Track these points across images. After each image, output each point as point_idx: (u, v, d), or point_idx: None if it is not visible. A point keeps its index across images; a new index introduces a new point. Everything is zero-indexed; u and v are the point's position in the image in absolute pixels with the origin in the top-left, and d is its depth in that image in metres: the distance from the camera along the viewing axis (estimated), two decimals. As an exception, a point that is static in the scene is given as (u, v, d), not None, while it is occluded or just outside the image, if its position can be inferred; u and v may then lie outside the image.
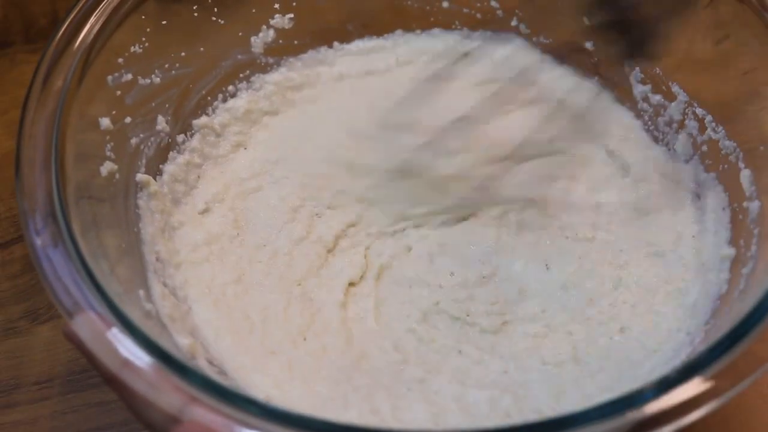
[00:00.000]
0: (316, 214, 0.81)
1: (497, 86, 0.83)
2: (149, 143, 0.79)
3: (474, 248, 0.78)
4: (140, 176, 0.76)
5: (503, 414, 0.65)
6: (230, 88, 0.88)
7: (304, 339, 0.72)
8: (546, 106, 0.83)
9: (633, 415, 0.51)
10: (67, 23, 0.71)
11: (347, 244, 0.79)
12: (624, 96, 0.87)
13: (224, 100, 0.88)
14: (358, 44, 0.93)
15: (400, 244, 0.79)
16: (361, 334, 0.73)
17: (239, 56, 0.88)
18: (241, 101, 0.88)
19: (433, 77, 0.84)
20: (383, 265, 0.78)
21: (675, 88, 0.81)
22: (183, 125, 0.84)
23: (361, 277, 0.77)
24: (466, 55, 0.87)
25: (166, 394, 0.52)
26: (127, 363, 0.53)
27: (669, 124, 0.83)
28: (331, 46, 0.93)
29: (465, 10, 0.92)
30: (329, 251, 0.79)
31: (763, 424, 0.70)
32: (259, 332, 0.72)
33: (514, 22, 0.91)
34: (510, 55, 0.89)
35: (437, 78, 0.84)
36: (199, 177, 0.84)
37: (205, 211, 0.81)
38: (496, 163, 0.80)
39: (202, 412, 0.51)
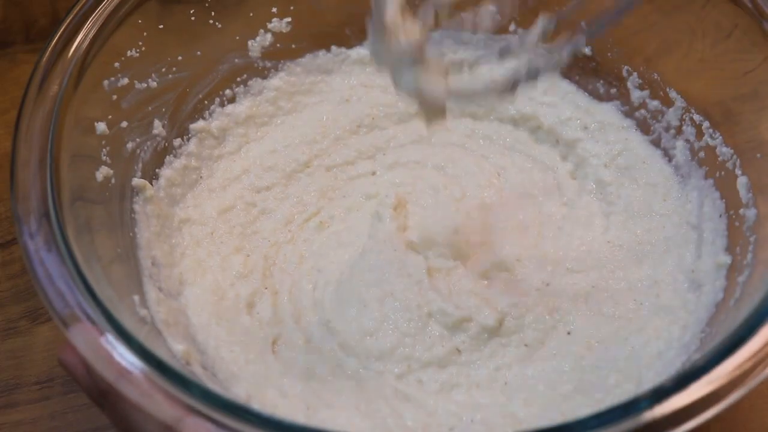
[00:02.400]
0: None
1: None
2: (145, 147, 0.79)
3: None
4: (136, 181, 0.76)
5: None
6: (227, 92, 0.88)
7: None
8: None
9: (630, 424, 0.51)
10: (64, 26, 0.71)
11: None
12: (623, 102, 0.87)
13: (222, 104, 0.87)
14: (358, 51, 0.93)
15: None
16: None
17: (236, 60, 0.88)
18: (241, 107, 0.88)
19: None
20: None
21: (672, 94, 0.81)
22: (180, 129, 0.83)
23: None
24: None
25: (163, 405, 0.52)
26: (123, 372, 0.53)
27: (667, 129, 0.83)
28: (329, 50, 0.92)
29: (463, 15, 0.91)
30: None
31: (763, 425, 0.70)
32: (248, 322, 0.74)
33: (512, 27, 0.91)
34: None
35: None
36: (201, 177, 0.84)
37: (219, 195, 0.83)
38: None
39: (198, 421, 0.51)
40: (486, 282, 0.75)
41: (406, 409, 0.66)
